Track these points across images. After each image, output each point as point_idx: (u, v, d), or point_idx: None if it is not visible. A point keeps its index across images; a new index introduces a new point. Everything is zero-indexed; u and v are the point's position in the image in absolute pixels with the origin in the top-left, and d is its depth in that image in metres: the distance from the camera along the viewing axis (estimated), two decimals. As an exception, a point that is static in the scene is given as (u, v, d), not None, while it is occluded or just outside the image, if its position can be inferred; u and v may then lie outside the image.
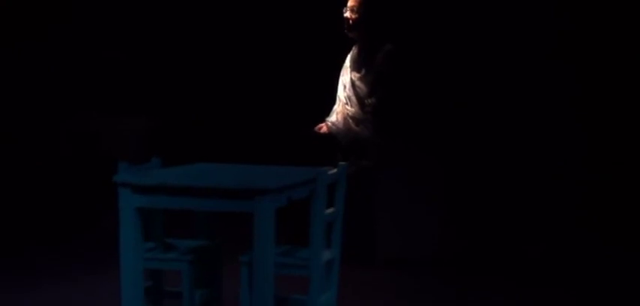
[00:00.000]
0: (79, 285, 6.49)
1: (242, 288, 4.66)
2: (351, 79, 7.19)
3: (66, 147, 9.33)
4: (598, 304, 6.25)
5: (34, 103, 9.40)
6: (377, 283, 6.59)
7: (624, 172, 8.40)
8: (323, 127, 7.26)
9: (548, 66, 8.55)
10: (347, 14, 7.13)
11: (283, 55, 9.44)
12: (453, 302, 6.24)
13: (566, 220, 8.35)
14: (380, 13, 7.16)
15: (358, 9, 7.11)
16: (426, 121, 7.57)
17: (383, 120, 7.07)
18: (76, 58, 9.50)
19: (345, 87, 7.21)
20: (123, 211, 4.57)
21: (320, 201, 4.58)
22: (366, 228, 6.98)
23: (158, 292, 5.13)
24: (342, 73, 7.29)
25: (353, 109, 7.14)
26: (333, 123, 7.21)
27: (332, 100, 7.32)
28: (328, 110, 7.32)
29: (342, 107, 7.20)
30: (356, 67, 7.20)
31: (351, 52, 7.30)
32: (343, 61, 7.32)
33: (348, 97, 7.18)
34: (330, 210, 4.79)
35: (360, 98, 7.14)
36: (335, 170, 4.85)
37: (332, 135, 7.17)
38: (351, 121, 7.14)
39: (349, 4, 7.14)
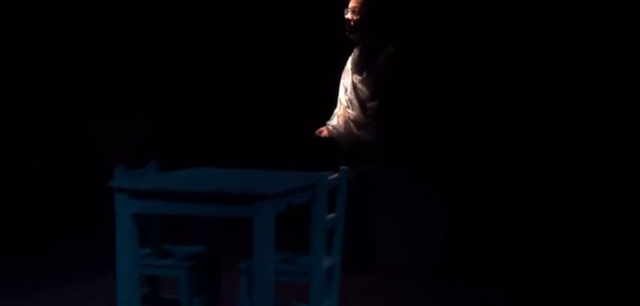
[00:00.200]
0: (75, 291, 6.44)
1: (241, 295, 4.62)
2: (353, 81, 7.11)
3: (64, 148, 9.40)
4: (598, 304, 6.29)
5: (33, 103, 9.45)
6: (378, 290, 6.54)
7: (624, 172, 8.44)
8: (324, 131, 7.18)
9: (548, 66, 8.59)
10: (348, 15, 7.05)
11: (283, 57, 9.45)
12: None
13: (566, 220, 8.37)
14: (382, 14, 7.10)
15: (359, 10, 7.03)
16: (427, 124, 7.64)
17: (385, 123, 7.01)
18: (76, 58, 9.55)
19: (346, 90, 7.15)
20: (119, 217, 4.53)
21: (321, 206, 4.57)
22: (367, 234, 6.94)
23: (155, 299, 5.07)
24: (343, 76, 7.22)
25: (354, 113, 7.06)
26: (333, 127, 7.13)
27: (333, 103, 7.25)
28: (329, 114, 7.23)
29: (343, 110, 7.13)
30: (357, 69, 7.13)
31: (352, 54, 7.22)
32: (344, 64, 7.24)
33: (350, 100, 7.10)
34: (331, 216, 4.77)
35: (361, 101, 7.05)
36: (336, 175, 4.83)
37: (333, 139, 7.11)
38: (352, 124, 7.07)
39: (350, 5, 7.07)
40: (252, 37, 9.57)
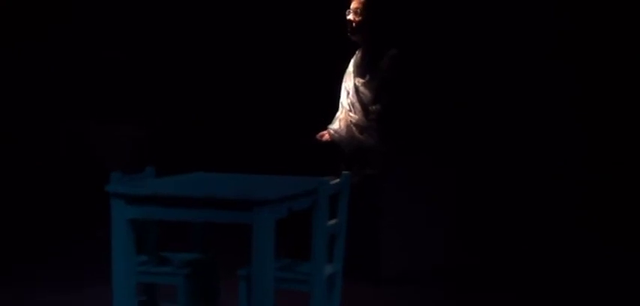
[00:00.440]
0: (71, 298, 6.38)
1: (240, 303, 4.57)
2: (355, 84, 7.05)
3: (63, 149, 9.44)
4: (598, 304, 6.32)
5: (33, 103, 9.47)
6: (381, 298, 6.50)
7: (624, 172, 8.41)
8: (325, 135, 7.14)
9: (548, 66, 8.57)
10: (350, 16, 6.99)
11: (283, 59, 9.42)
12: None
13: (566, 220, 8.37)
14: (385, 15, 7.05)
15: (362, 11, 6.97)
16: (429, 126, 7.65)
17: (388, 127, 6.97)
18: (76, 58, 9.57)
19: (348, 93, 7.10)
20: (115, 223, 4.51)
21: (322, 212, 4.54)
22: (370, 240, 6.92)
23: (152, 307, 5.05)
24: (344, 79, 7.18)
25: (356, 116, 7.01)
26: (335, 130, 7.08)
27: (334, 106, 7.23)
28: (330, 117, 7.20)
29: (345, 114, 7.07)
30: (360, 72, 7.07)
31: (354, 57, 7.18)
32: (346, 66, 7.21)
33: (352, 104, 7.05)
34: (333, 222, 4.74)
35: (364, 105, 6.99)
36: (337, 180, 4.80)
37: (334, 143, 7.06)
38: (354, 128, 7.01)
39: (352, 5, 7.02)
40: (251, 39, 9.56)
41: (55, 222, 8.81)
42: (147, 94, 9.61)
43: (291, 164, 6.25)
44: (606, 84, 8.45)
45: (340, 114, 7.07)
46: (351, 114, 6.98)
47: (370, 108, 6.92)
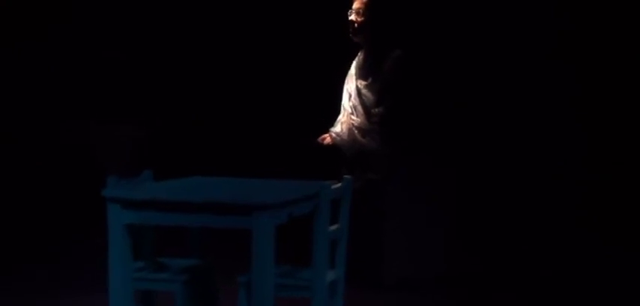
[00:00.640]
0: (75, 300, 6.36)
1: None
2: (357, 87, 6.97)
3: (63, 149, 9.42)
4: (598, 304, 6.34)
5: (33, 103, 9.47)
6: (384, 305, 6.44)
7: (624, 172, 8.45)
8: (327, 139, 7.07)
9: (548, 66, 8.57)
10: (352, 17, 6.90)
11: (284, 60, 9.39)
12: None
13: (566, 221, 8.39)
14: (387, 15, 6.99)
15: (364, 11, 6.88)
16: (430, 127, 7.61)
17: (391, 131, 6.90)
18: (76, 58, 9.58)
19: (350, 96, 7.02)
20: (112, 228, 4.42)
21: (323, 217, 4.47)
22: (372, 246, 6.87)
23: (149, 314, 4.98)
24: (346, 81, 7.11)
25: (359, 120, 6.92)
26: (337, 134, 7.01)
27: (336, 109, 7.17)
28: (332, 120, 7.14)
29: (347, 117, 6.99)
30: (362, 74, 6.99)
31: (356, 58, 7.10)
32: (348, 68, 7.15)
33: (354, 107, 6.97)
34: (334, 227, 4.67)
35: (366, 107, 6.90)
36: (339, 184, 4.74)
37: (336, 147, 7.01)
38: (356, 131, 6.93)
39: (354, 6, 6.93)
40: (251, 40, 9.53)
41: (55, 223, 8.77)
42: (147, 94, 9.60)
43: (291, 168, 6.23)
44: (606, 84, 8.46)
45: (342, 117, 7.00)
46: (353, 117, 6.90)
47: (373, 111, 6.83)
